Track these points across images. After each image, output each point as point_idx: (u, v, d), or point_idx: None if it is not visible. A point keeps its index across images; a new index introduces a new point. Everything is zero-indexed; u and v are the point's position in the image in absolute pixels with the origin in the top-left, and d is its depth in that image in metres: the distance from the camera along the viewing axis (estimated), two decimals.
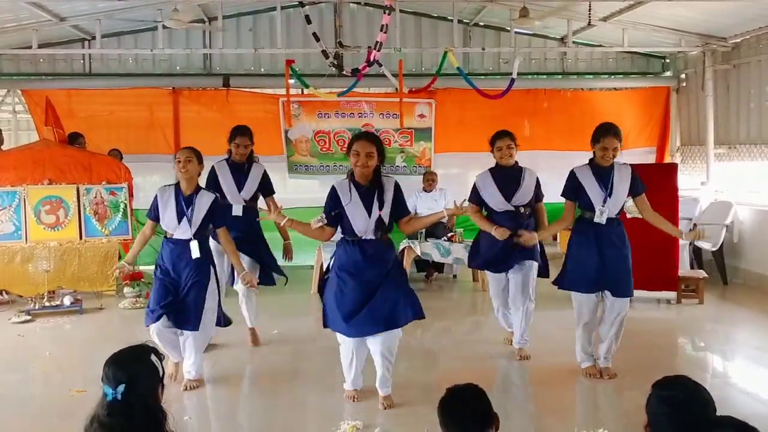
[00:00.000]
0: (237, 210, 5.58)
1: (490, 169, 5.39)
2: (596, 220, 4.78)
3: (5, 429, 4.20)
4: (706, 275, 7.56)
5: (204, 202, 4.75)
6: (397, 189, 4.41)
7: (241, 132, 5.65)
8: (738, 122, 8.97)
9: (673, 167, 7.64)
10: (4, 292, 7.54)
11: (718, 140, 9.27)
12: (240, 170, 5.65)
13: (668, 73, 10.56)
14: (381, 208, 4.28)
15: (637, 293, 7.16)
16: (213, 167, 5.61)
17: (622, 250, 4.85)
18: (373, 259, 4.31)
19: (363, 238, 4.30)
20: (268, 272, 5.81)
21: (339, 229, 4.44)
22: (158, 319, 4.65)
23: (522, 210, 5.29)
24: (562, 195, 5.01)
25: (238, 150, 5.61)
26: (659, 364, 5.26)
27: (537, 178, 5.40)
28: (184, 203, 4.71)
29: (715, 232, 8.29)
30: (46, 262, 7.20)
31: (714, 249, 8.25)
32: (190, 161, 4.70)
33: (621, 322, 4.89)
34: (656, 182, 7.24)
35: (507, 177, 5.30)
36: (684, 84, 10.22)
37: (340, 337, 4.46)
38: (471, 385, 2.60)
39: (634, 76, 10.67)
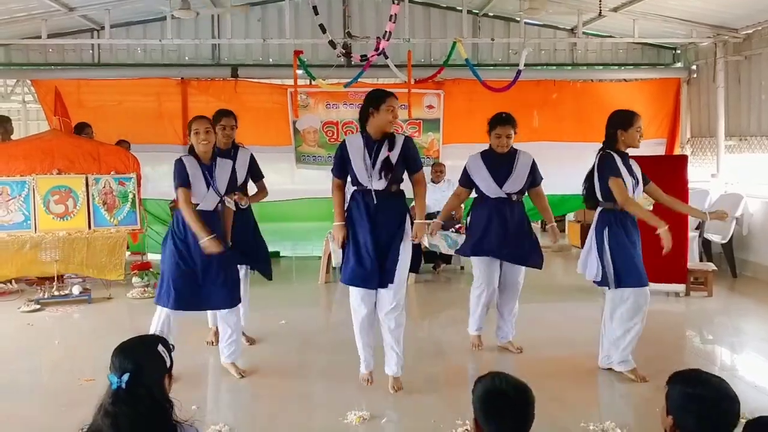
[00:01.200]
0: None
1: (482, 153, 5.21)
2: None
3: (14, 416, 4.23)
4: (715, 268, 7.53)
5: (225, 168, 4.74)
6: (409, 141, 4.52)
7: (225, 113, 5.38)
8: (749, 114, 8.90)
9: (683, 159, 7.59)
10: (13, 281, 7.60)
11: (729, 132, 9.21)
12: (227, 155, 5.29)
13: (679, 65, 10.49)
14: (390, 150, 4.38)
15: None
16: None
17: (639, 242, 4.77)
18: (384, 211, 4.41)
19: (370, 187, 4.38)
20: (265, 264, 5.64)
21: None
22: (176, 306, 4.60)
23: (515, 198, 5.14)
24: (611, 176, 4.57)
25: (224, 132, 5.31)
26: (667, 356, 5.25)
27: (533, 161, 5.18)
28: (207, 172, 4.65)
29: (724, 224, 8.24)
30: (55, 251, 7.23)
31: (723, 241, 8.21)
32: (208, 132, 4.63)
33: None
34: (666, 174, 7.21)
35: (500, 161, 5.12)
36: (695, 75, 10.14)
37: (352, 297, 4.52)
38: (519, 382, 2.35)
39: (644, 68, 10.60)
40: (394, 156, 4.38)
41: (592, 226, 4.79)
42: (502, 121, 5.13)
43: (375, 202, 4.41)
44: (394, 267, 4.41)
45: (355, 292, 4.52)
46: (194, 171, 4.62)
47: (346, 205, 4.61)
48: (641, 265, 4.68)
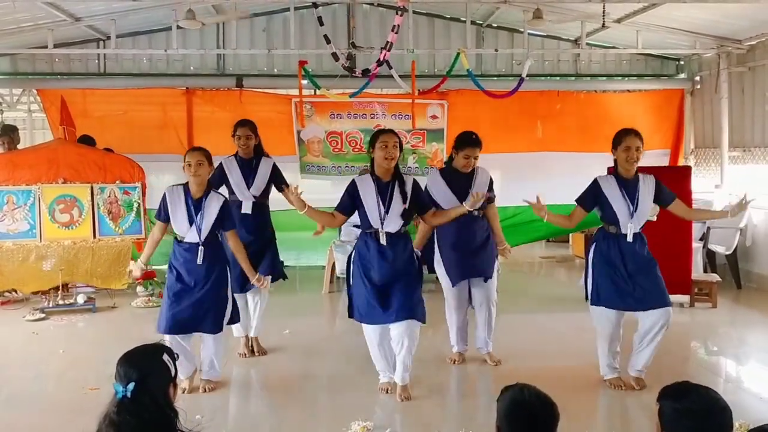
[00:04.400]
0: (246, 207, 5.43)
1: (441, 170, 5.29)
2: (629, 239, 4.56)
3: (19, 425, 4.24)
4: (719, 279, 7.52)
5: (213, 206, 4.67)
6: (416, 184, 4.66)
7: (241, 123, 5.51)
8: (753, 125, 8.91)
9: (687, 170, 7.59)
10: (18, 290, 7.61)
11: (733, 143, 9.21)
12: (248, 165, 5.48)
13: (682, 76, 10.49)
14: (404, 201, 4.51)
15: None
16: (221, 163, 5.37)
17: (649, 264, 4.65)
18: (394, 252, 4.51)
19: (381, 230, 4.48)
20: (275, 270, 5.67)
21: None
22: (170, 331, 4.60)
23: (476, 213, 5.05)
24: (576, 200, 4.79)
25: (240, 142, 5.46)
26: (671, 368, 5.22)
27: (490, 178, 5.22)
28: (193, 208, 4.65)
29: (729, 235, 8.24)
30: (60, 260, 7.25)
31: (728, 253, 8.20)
32: (201, 165, 4.61)
33: (663, 332, 4.68)
34: (670, 185, 7.13)
35: (459, 177, 5.14)
36: (698, 86, 10.15)
37: (366, 330, 4.62)
38: (546, 397, 2.37)
39: (648, 78, 10.61)
40: (406, 201, 4.52)
41: None
42: (472, 142, 5.14)
43: (386, 243, 4.49)
44: (410, 301, 4.48)
45: (369, 328, 4.60)
46: (177, 205, 4.65)
47: (351, 244, 4.68)
48: (621, 292, 4.61)
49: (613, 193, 4.62)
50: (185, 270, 4.67)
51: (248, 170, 5.48)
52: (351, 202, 4.58)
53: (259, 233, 5.47)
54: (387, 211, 4.47)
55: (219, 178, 5.36)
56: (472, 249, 5.13)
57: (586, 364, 5.16)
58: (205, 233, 4.65)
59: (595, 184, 4.71)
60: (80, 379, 4.99)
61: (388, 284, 4.47)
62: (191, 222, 4.63)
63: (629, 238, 4.59)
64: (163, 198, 4.72)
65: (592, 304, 4.79)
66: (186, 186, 4.71)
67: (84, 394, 4.65)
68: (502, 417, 2.33)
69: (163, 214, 4.72)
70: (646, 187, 4.66)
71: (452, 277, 5.22)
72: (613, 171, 4.76)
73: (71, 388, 4.84)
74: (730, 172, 9.21)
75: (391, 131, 4.60)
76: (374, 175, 4.57)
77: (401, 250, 4.53)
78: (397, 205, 4.49)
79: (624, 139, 4.64)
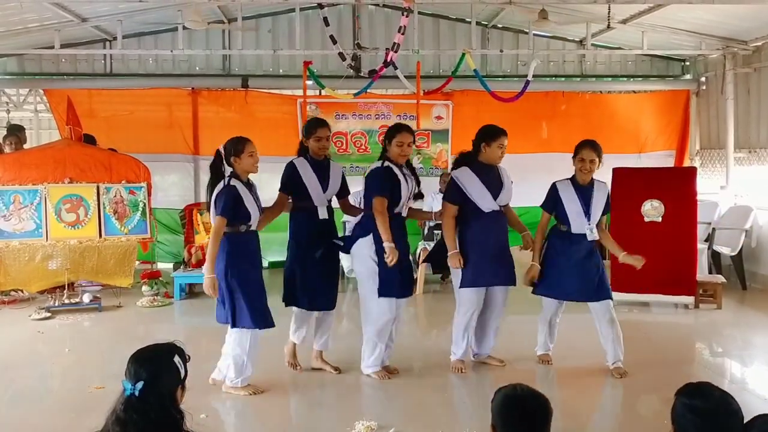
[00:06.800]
0: (323, 213, 4.96)
1: (470, 166, 5.03)
2: (590, 238, 4.97)
3: (24, 424, 4.26)
4: (724, 280, 7.50)
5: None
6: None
7: (321, 123, 5.04)
8: (758, 126, 8.88)
9: (693, 171, 7.59)
10: (23, 290, 7.63)
11: (738, 144, 9.19)
12: (322, 167, 5.00)
13: (688, 76, 10.48)
14: (418, 184, 5.05)
15: (654, 297, 7.18)
16: (293, 164, 4.96)
17: (593, 259, 5.01)
18: (403, 230, 5.03)
19: (399, 211, 4.92)
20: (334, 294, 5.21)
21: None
22: (268, 326, 4.65)
23: (503, 210, 5.08)
24: (542, 206, 5.19)
25: (319, 144, 4.94)
26: (676, 369, 5.23)
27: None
28: (253, 192, 4.62)
29: (734, 236, 8.22)
30: (66, 259, 7.27)
31: (733, 254, 8.18)
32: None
33: (613, 322, 5.00)
34: (675, 186, 7.22)
35: (489, 174, 5.01)
36: (704, 87, 10.13)
37: (388, 308, 4.88)
38: (539, 393, 2.37)
39: (653, 79, 10.60)
40: (419, 185, 5.10)
41: None
42: (503, 132, 5.03)
43: (401, 223, 4.98)
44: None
45: (391, 302, 4.90)
46: (246, 195, 4.50)
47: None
48: (559, 279, 5.04)
49: (569, 196, 5.03)
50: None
51: (323, 172, 5.01)
52: (390, 184, 4.81)
53: (330, 246, 5.04)
54: (410, 191, 4.94)
55: (293, 181, 4.96)
56: (503, 252, 5.09)
57: (589, 364, 5.16)
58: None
59: (553, 188, 5.13)
60: (85, 378, 5.01)
61: (404, 261, 4.92)
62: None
63: (591, 238, 4.98)
64: (235, 193, 4.46)
65: (533, 293, 5.23)
66: (236, 176, 4.57)
67: (89, 393, 4.66)
68: (496, 415, 2.36)
69: (233, 210, 4.45)
70: (600, 193, 5.07)
71: (485, 280, 5.05)
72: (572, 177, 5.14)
73: (76, 387, 4.85)
74: (736, 174, 9.18)
75: (408, 129, 4.91)
76: (393, 162, 4.88)
77: (406, 229, 5.11)
78: (413, 187, 4.99)
79: (580, 151, 5.07)
